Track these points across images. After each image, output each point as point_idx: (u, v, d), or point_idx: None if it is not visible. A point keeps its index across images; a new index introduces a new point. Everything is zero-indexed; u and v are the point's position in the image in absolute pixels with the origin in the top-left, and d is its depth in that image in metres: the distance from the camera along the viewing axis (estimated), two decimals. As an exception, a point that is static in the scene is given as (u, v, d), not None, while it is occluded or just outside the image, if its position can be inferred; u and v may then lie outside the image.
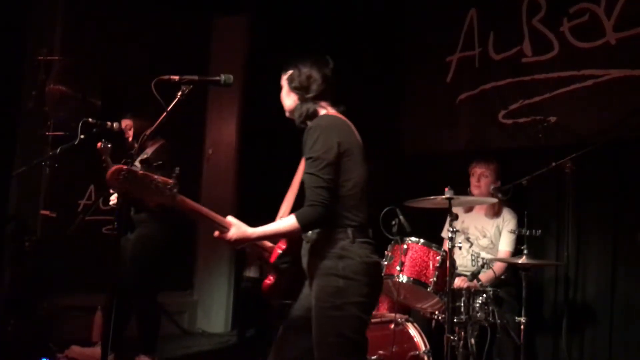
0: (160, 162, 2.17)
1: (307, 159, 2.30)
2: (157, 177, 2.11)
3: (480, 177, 4.21)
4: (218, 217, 2.31)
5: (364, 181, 2.41)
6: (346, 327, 2.27)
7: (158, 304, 4.37)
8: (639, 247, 4.07)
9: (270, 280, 2.42)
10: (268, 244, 2.45)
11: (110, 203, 4.28)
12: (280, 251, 2.43)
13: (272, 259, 2.43)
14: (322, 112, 2.47)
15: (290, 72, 2.50)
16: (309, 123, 2.43)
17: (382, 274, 2.51)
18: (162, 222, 4.16)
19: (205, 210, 2.29)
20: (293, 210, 2.43)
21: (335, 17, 5.67)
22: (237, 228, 2.29)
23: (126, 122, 4.29)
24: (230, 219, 2.31)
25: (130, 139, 4.29)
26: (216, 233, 2.32)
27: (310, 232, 2.35)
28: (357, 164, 2.38)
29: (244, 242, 2.31)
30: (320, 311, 2.30)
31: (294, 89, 2.48)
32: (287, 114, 2.57)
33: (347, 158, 2.34)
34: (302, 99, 2.47)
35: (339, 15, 5.66)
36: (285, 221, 2.27)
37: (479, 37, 5.01)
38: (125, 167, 2.05)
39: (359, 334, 2.32)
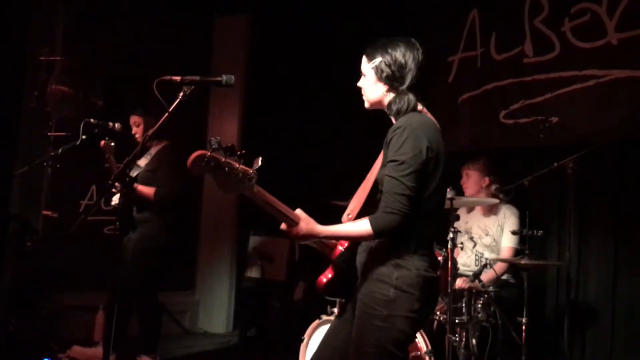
0: (242, 152, 2.06)
1: (391, 161, 2.11)
2: (239, 167, 2.01)
3: (465, 177, 4.25)
4: (289, 210, 2.17)
5: (442, 191, 2.25)
6: (388, 340, 2.13)
7: (159, 303, 4.37)
8: (640, 247, 4.08)
9: (327, 277, 2.30)
10: (331, 242, 2.35)
11: (113, 203, 4.29)
12: (342, 248, 2.32)
13: (334, 256, 2.32)
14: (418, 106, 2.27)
15: (378, 59, 2.24)
16: (393, 120, 2.27)
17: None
18: (164, 221, 4.17)
19: (278, 202, 2.16)
20: (362, 210, 2.29)
21: (335, 17, 5.67)
22: (306, 223, 2.16)
23: (135, 119, 4.27)
24: (299, 212, 2.19)
25: (137, 135, 4.27)
26: (283, 225, 2.19)
27: None
28: (439, 171, 2.18)
29: (311, 238, 2.19)
30: (364, 317, 2.17)
31: (385, 79, 2.23)
32: (368, 105, 2.36)
33: (432, 165, 2.15)
34: (397, 91, 2.24)
35: (339, 16, 5.66)
36: (359, 225, 2.13)
37: (480, 38, 5.01)
38: (208, 152, 1.94)
39: (400, 350, 2.17)
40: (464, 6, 5.11)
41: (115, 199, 4.21)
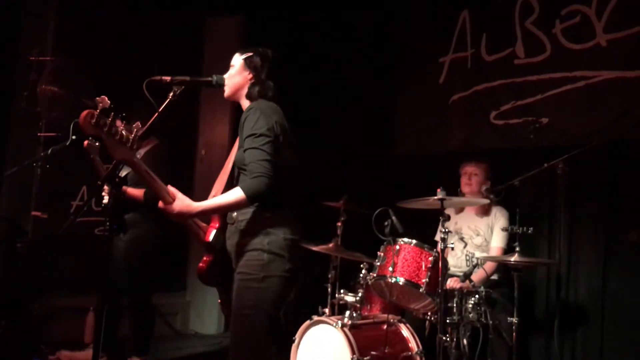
0: (124, 114, 2.19)
1: (249, 136, 2.38)
2: (121, 129, 2.13)
3: (471, 176, 4.23)
4: (163, 187, 2.30)
5: (293, 164, 2.51)
6: (265, 300, 2.36)
7: (152, 305, 4.35)
8: (630, 246, 4.10)
9: (204, 262, 2.45)
10: (203, 223, 2.50)
11: (104, 202, 4.26)
12: (214, 230, 2.47)
13: (207, 237, 2.47)
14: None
15: (250, 54, 2.67)
16: (245, 104, 2.58)
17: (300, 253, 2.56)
18: (155, 223, 4.14)
19: (153, 177, 2.30)
20: (224, 191, 2.46)
21: (328, 18, 5.67)
22: (181, 201, 2.30)
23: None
24: (172, 189, 2.32)
25: None
26: (160, 203, 2.32)
27: (235, 212, 2.42)
28: (288, 146, 2.49)
29: (187, 215, 2.33)
30: (241, 283, 2.38)
31: (253, 68, 2.63)
32: (228, 93, 2.63)
33: (281, 139, 2.45)
34: (259, 79, 2.63)
35: (332, 16, 5.66)
36: (231, 194, 2.30)
37: (471, 39, 5.03)
38: (96, 111, 2.06)
39: (277, 309, 2.40)
40: (454, 7, 5.13)
41: (106, 199, 4.18)
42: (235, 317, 2.38)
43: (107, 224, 3.96)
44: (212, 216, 2.55)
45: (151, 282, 4.29)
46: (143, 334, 4.20)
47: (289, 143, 2.51)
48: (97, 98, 2.08)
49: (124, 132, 2.13)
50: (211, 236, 2.48)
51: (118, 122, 2.15)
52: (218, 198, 2.36)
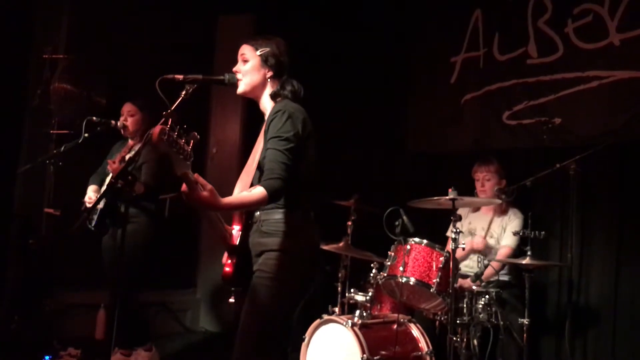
0: (184, 126, 2.12)
1: (273, 137, 2.38)
2: (183, 143, 2.09)
3: (484, 182, 4.20)
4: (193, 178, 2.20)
5: (314, 166, 2.52)
6: (278, 300, 2.38)
7: (136, 297, 4.21)
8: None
9: (231, 266, 2.44)
10: (227, 226, 2.49)
11: (86, 198, 4.22)
12: (239, 231, 2.49)
13: (234, 240, 2.48)
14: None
15: (267, 48, 2.55)
16: (268, 106, 2.54)
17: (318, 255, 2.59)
18: (150, 217, 4.09)
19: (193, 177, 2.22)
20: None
21: (340, 17, 5.67)
22: (211, 193, 2.21)
23: (130, 108, 4.17)
24: (202, 180, 2.22)
25: (128, 124, 4.14)
26: (184, 188, 2.20)
27: (258, 212, 2.46)
28: (311, 149, 2.49)
29: (213, 207, 2.22)
30: (260, 280, 2.39)
31: (271, 66, 2.54)
32: (243, 89, 2.54)
33: (306, 142, 2.45)
34: (281, 78, 2.56)
35: (343, 15, 5.66)
36: (253, 192, 2.29)
37: (483, 38, 5.01)
38: (167, 127, 2.02)
39: (288, 310, 2.45)
40: (467, 6, 5.12)
41: (92, 196, 4.17)
42: (246, 313, 2.39)
43: (94, 218, 3.97)
44: (233, 217, 2.52)
45: (140, 276, 4.16)
46: (139, 326, 4.18)
47: (313, 144, 2.51)
48: (164, 113, 2.04)
49: (185, 148, 2.10)
50: (237, 240, 2.47)
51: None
52: (241, 195, 2.35)
